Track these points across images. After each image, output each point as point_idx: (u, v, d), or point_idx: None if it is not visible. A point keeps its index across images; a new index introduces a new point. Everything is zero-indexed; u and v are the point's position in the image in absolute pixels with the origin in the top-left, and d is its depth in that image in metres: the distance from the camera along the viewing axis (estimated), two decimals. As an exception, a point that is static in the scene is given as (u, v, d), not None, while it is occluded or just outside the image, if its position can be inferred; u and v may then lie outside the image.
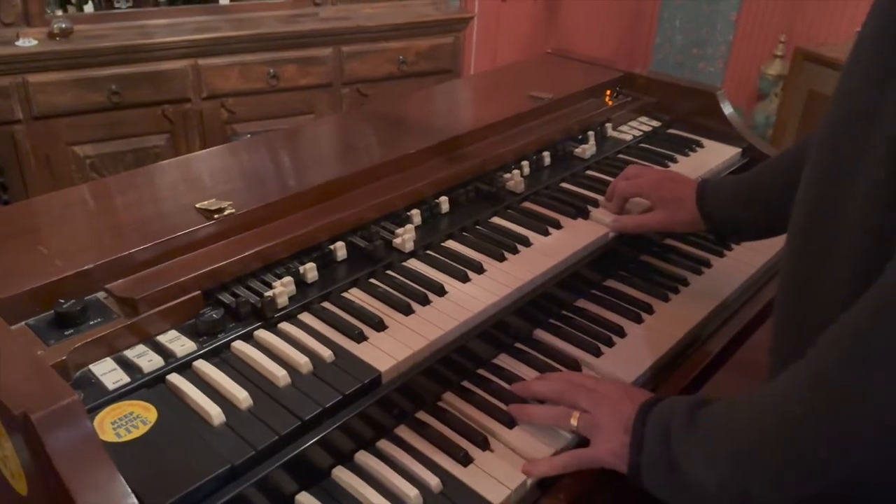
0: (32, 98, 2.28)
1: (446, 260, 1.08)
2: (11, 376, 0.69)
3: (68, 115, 2.36)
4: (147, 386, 0.81)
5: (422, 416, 0.91)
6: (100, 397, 0.77)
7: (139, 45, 2.40)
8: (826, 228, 0.70)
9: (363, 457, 0.84)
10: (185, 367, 0.84)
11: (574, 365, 1.00)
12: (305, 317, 0.95)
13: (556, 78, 1.67)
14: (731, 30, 4.02)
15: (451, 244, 1.13)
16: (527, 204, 1.26)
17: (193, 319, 0.89)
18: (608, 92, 1.62)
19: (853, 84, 0.68)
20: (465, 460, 0.84)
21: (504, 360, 1.02)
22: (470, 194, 1.23)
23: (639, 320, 1.09)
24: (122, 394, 0.79)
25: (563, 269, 1.11)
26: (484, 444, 0.86)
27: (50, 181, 2.39)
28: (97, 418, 0.75)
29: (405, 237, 1.08)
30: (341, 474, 0.82)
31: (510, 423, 0.90)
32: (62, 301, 0.83)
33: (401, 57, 2.85)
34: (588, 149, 1.41)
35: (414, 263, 1.08)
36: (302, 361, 0.85)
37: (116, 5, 2.57)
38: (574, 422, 0.86)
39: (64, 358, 0.78)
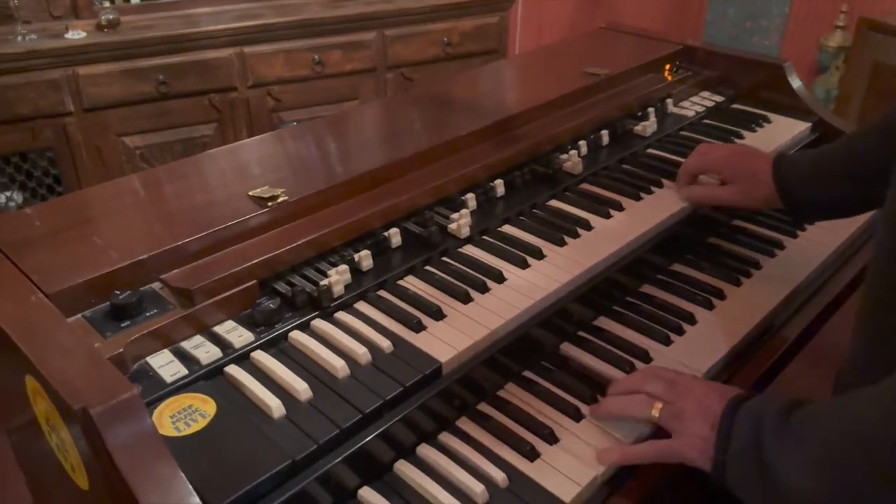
0: (83, 90, 2.30)
1: (504, 245, 1.04)
2: (70, 370, 0.68)
3: (117, 107, 2.38)
4: (205, 378, 0.79)
5: (484, 407, 0.88)
6: (158, 390, 0.76)
7: (185, 35, 2.40)
8: None
9: (425, 450, 0.81)
10: (243, 359, 0.82)
11: (641, 354, 0.95)
12: (361, 305, 0.92)
13: (612, 53, 1.61)
14: (788, 1, 3.86)
15: (508, 229, 1.09)
16: (585, 185, 1.21)
17: (250, 309, 0.87)
18: (667, 66, 1.55)
19: None
20: (532, 455, 0.80)
21: (567, 349, 0.97)
22: (526, 177, 1.19)
23: (710, 306, 1.04)
24: (180, 386, 0.77)
25: (627, 253, 1.06)
26: (551, 438, 0.83)
27: (102, 172, 2.41)
28: (156, 412, 0.74)
29: (460, 222, 1.05)
30: (404, 468, 0.79)
31: (577, 415, 0.86)
32: (118, 292, 0.82)
33: (445, 38, 2.80)
34: (648, 126, 1.35)
35: (470, 249, 1.04)
36: (360, 352, 0.83)
37: (162, -6, 2.58)
38: (655, 412, 0.81)
39: (121, 350, 0.77)
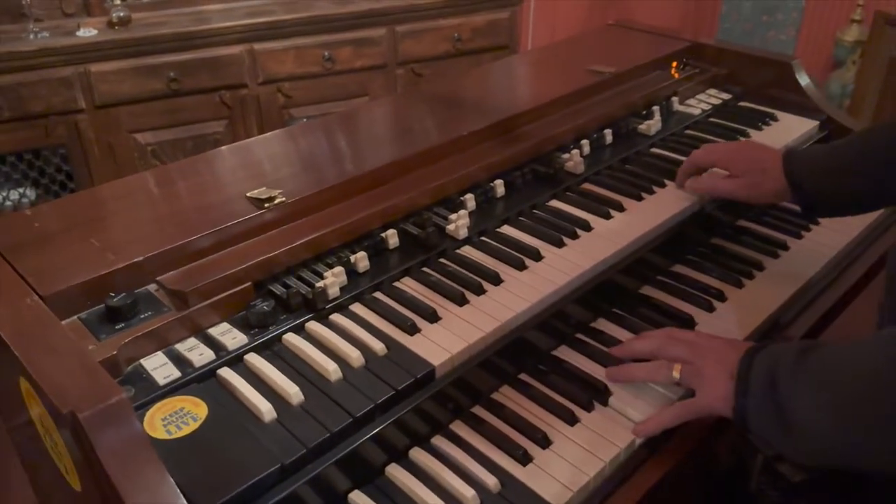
0: (94, 87, 2.32)
1: (502, 247, 1.03)
2: (61, 373, 0.68)
3: (129, 104, 2.39)
4: (198, 380, 0.79)
5: (478, 411, 0.87)
6: (151, 392, 0.76)
7: (196, 32, 2.41)
8: None
9: (417, 454, 0.81)
10: (236, 361, 0.83)
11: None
12: (357, 308, 0.92)
13: (619, 50, 1.59)
14: (805, -6, 3.80)
15: (506, 230, 1.08)
16: (587, 185, 1.20)
17: (244, 311, 0.88)
18: (674, 63, 1.53)
19: None
20: (525, 459, 0.80)
21: (564, 353, 0.97)
22: (526, 177, 1.18)
23: (710, 309, 1.03)
24: (173, 389, 0.77)
25: (627, 254, 1.05)
26: (544, 442, 0.82)
27: (113, 169, 2.43)
28: (148, 414, 0.74)
29: (458, 223, 1.04)
30: (395, 472, 0.79)
31: (571, 419, 0.85)
32: (113, 294, 0.83)
33: (456, 34, 2.79)
34: (653, 125, 1.34)
35: (468, 251, 1.03)
36: (354, 355, 0.83)
37: (173, -8, 2.59)
38: (676, 374, 0.84)
39: (115, 353, 0.77)
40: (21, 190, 2.39)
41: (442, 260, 1.01)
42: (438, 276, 0.97)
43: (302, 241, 0.95)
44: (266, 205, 0.98)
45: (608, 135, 1.30)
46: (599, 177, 1.22)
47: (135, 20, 2.41)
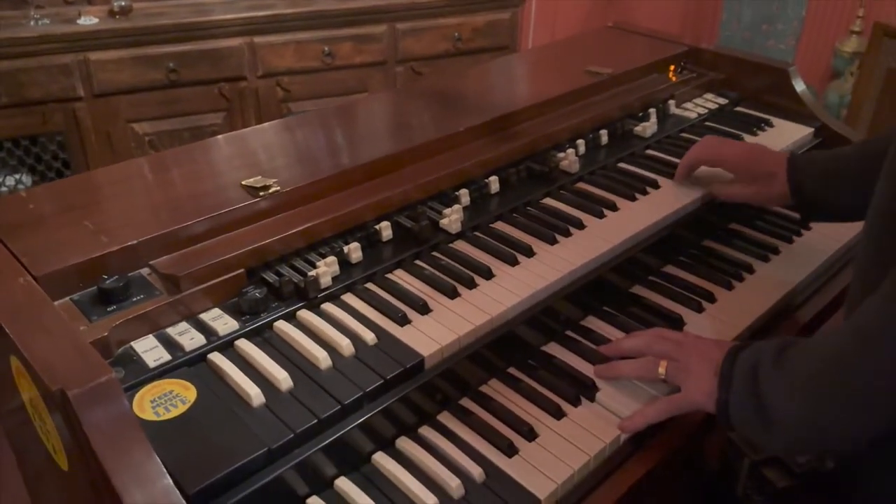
0: (93, 75, 2.32)
1: (495, 242, 1.04)
2: (51, 352, 0.69)
3: (128, 93, 2.39)
4: (188, 364, 0.80)
5: (466, 402, 0.88)
6: (140, 374, 0.77)
7: (196, 23, 2.41)
8: None
9: (404, 443, 0.82)
10: (226, 346, 0.83)
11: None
12: (348, 297, 0.93)
13: (617, 52, 1.60)
14: (804, 4, 3.82)
15: (500, 226, 1.09)
16: (581, 185, 1.21)
17: (236, 298, 0.88)
18: (672, 67, 1.54)
19: None
20: (510, 451, 0.81)
21: (553, 348, 0.98)
22: (521, 174, 1.19)
23: (699, 309, 1.04)
24: (163, 371, 0.78)
25: (618, 253, 1.06)
26: (530, 435, 0.83)
27: (110, 158, 2.43)
28: (137, 396, 0.74)
29: (452, 217, 1.05)
30: (382, 460, 0.80)
31: (558, 413, 0.86)
32: (105, 277, 0.83)
33: (456, 34, 2.80)
34: (649, 127, 1.35)
35: (461, 245, 1.04)
36: (343, 343, 0.83)
37: (175, -17, 2.59)
38: (662, 370, 0.86)
39: (106, 334, 0.77)
40: (17, 176, 2.39)
41: (435, 253, 1.02)
42: (431, 269, 0.98)
43: (296, 230, 0.96)
44: (261, 193, 0.98)
45: (604, 135, 1.31)
46: (594, 176, 1.23)
47: (136, 10, 2.41)
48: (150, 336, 0.82)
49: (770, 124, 1.44)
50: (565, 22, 3.72)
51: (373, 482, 0.78)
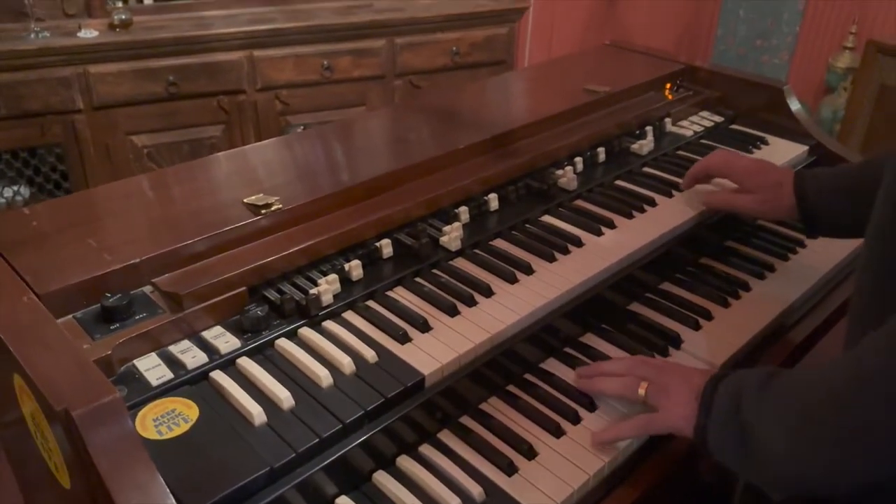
0: (93, 88, 2.33)
1: (494, 260, 1.05)
2: (55, 371, 0.69)
3: (127, 106, 2.40)
4: (190, 383, 0.80)
5: (466, 421, 0.89)
6: (143, 393, 0.77)
7: (196, 37, 2.42)
8: None
9: (405, 462, 0.82)
10: (228, 365, 0.84)
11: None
12: (349, 315, 0.94)
13: (614, 70, 1.62)
14: (798, 20, 3.86)
15: (499, 243, 1.10)
16: (579, 202, 1.22)
17: (238, 316, 0.89)
18: (668, 85, 1.55)
19: None
20: (510, 469, 0.81)
21: (552, 366, 0.98)
22: (520, 192, 1.20)
23: (696, 327, 1.05)
24: (165, 390, 0.78)
25: (616, 271, 1.07)
26: (529, 453, 0.83)
27: (109, 170, 2.44)
28: (139, 415, 0.75)
29: (452, 235, 1.06)
30: (382, 479, 0.80)
31: (557, 432, 0.86)
32: (108, 295, 0.84)
33: (454, 48, 2.82)
34: (645, 145, 1.36)
35: (460, 263, 1.05)
36: (345, 362, 0.84)
37: (175, -4, 2.60)
38: (642, 391, 0.86)
39: (109, 352, 0.78)
40: (15, 188, 2.39)
41: (435, 271, 1.03)
42: (431, 286, 0.99)
43: (297, 247, 0.96)
44: (263, 211, 0.99)
45: (601, 153, 1.32)
46: (592, 194, 1.24)
47: (136, 23, 2.42)
48: (153, 354, 0.82)
49: (765, 142, 1.46)
50: (561, 38, 3.75)
51: (374, 501, 0.78)
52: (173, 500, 0.64)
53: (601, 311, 1.06)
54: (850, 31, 3.51)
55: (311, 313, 0.90)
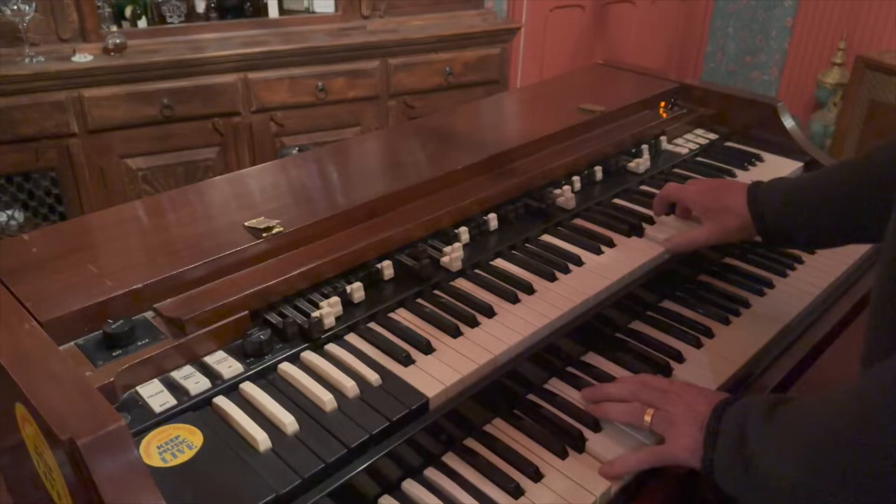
0: (87, 112, 2.33)
1: (495, 280, 1.05)
2: (59, 399, 0.69)
3: (122, 129, 2.41)
4: (194, 409, 0.80)
5: (470, 443, 0.88)
6: (147, 420, 0.77)
7: (190, 60, 2.43)
8: None
9: (410, 486, 0.82)
10: (231, 390, 0.83)
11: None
12: (352, 338, 0.93)
13: (608, 89, 1.63)
14: (787, 37, 3.91)
15: (499, 263, 1.10)
16: (578, 221, 1.22)
17: (241, 340, 0.88)
18: (662, 104, 1.57)
19: None
20: (517, 492, 0.81)
21: (556, 385, 0.98)
22: (519, 211, 1.20)
23: (698, 345, 1.05)
24: (169, 416, 0.78)
25: (617, 289, 1.07)
26: (536, 476, 0.83)
27: (103, 193, 2.44)
28: (143, 442, 0.74)
29: (453, 256, 1.06)
30: (388, 503, 0.79)
31: (562, 453, 0.86)
32: (111, 321, 0.83)
33: (448, 68, 2.84)
34: (642, 163, 1.37)
35: (462, 283, 1.05)
36: (348, 385, 0.83)
37: (169, 20, 2.62)
38: (648, 418, 0.85)
39: (112, 379, 0.77)
40: (9, 212, 2.38)
41: (436, 292, 1.03)
42: (433, 307, 0.99)
43: (298, 271, 0.96)
44: (264, 234, 0.99)
45: (598, 171, 1.33)
46: (590, 213, 1.25)
47: (130, 47, 2.43)
48: (155, 380, 0.82)
49: (760, 159, 1.47)
50: (552, 58, 3.78)
51: (380, 526, 0.78)
52: (179, 530, 0.64)
53: (603, 329, 1.06)
54: (838, 47, 3.56)
55: (314, 336, 0.90)
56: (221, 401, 0.81)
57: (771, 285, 1.20)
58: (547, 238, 1.17)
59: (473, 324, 0.96)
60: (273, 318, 0.92)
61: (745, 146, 1.52)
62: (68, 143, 2.34)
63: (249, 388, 0.83)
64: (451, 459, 0.86)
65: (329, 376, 0.85)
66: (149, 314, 0.89)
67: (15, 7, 2.20)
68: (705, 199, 1.13)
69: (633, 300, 1.11)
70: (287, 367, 0.86)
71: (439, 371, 0.88)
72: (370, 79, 2.73)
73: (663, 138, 1.47)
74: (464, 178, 1.22)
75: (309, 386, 0.83)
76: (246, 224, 1.01)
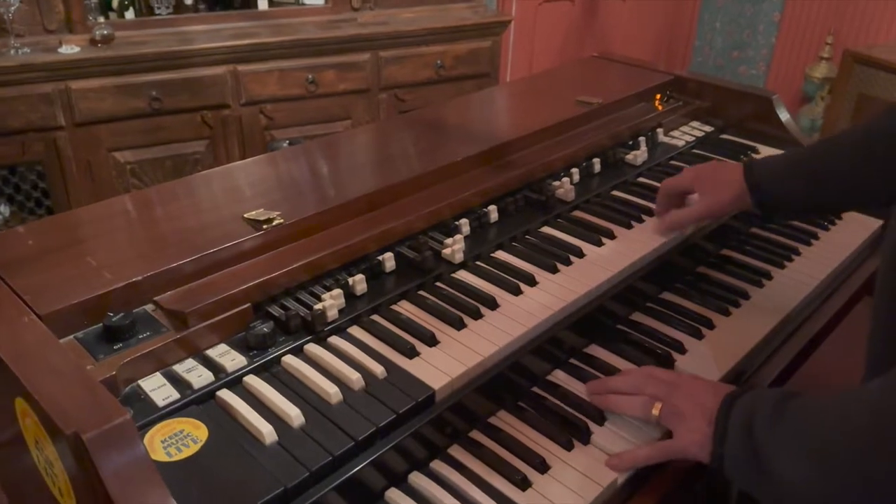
0: (75, 104, 2.29)
1: (497, 272, 1.04)
2: (61, 393, 0.67)
3: (109, 122, 2.37)
4: (197, 402, 0.79)
5: (476, 435, 0.88)
6: (150, 414, 0.75)
7: (179, 52, 2.40)
8: None
9: (417, 478, 0.81)
10: (235, 383, 0.82)
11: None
12: (355, 330, 0.92)
13: (603, 82, 1.63)
14: (775, 31, 3.93)
15: (501, 255, 1.10)
16: (577, 213, 1.22)
17: (243, 333, 0.87)
18: (658, 96, 1.57)
19: None
20: (524, 484, 0.80)
21: (558, 377, 0.98)
22: (519, 203, 1.20)
23: (699, 336, 1.05)
24: (172, 410, 0.77)
25: (618, 281, 1.07)
26: (542, 467, 0.83)
27: (91, 187, 2.40)
28: (147, 436, 0.73)
29: (454, 248, 1.05)
30: (395, 496, 0.79)
31: (568, 445, 0.86)
32: (111, 314, 0.82)
33: (438, 61, 2.83)
34: (639, 155, 1.37)
35: (464, 275, 1.04)
36: (353, 377, 0.83)
37: (157, 12, 2.58)
38: (655, 412, 0.84)
39: (114, 373, 0.76)
40: (-5, 206, 2.35)
41: (438, 284, 1.02)
42: (436, 299, 0.98)
43: (300, 263, 0.95)
44: (264, 226, 0.98)
45: (597, 164, 1.33)
46: (589, 204, 1.24)
47: (118, 38, 2.39)
48: (158, 374, 0.81)
49: (756, 151, 1.47)
50: (541, 51, 3.78)
51: (387, 519, 0.77)
52: (188, 525, 0.63)
53: (604, 321, 1.06)
54: (826, 42, 3.58)
55: (317, 329, 0.89)
56: (225, 394, 0.80)
57: (769, 276, 1.20)
58: (547, 230, 1.17)
59: (477, 316, 0.95)
60: (275, 310, 0.91)
61: (741, 138, 1.52)
62: (55, 135, 2.30)
63: (253, 380, 0.82)
64: (457, 452, 0.85)
65: (334, 369, 0.84)
66: (149, 307, 0.87)
67: (-1, -3, 2.16)
68: (701, 177, 1.14)
69: (635, 292, 1.11)
70: (291, 360, 0.85)
71: (444, 363, 0.87)
72: (361, 72, 2.71)
73: (660, 130, 1.47)
74: (464, 170, 1.21)
75: (314, 378, 0.82)
76: (245, 216, 1.00)
